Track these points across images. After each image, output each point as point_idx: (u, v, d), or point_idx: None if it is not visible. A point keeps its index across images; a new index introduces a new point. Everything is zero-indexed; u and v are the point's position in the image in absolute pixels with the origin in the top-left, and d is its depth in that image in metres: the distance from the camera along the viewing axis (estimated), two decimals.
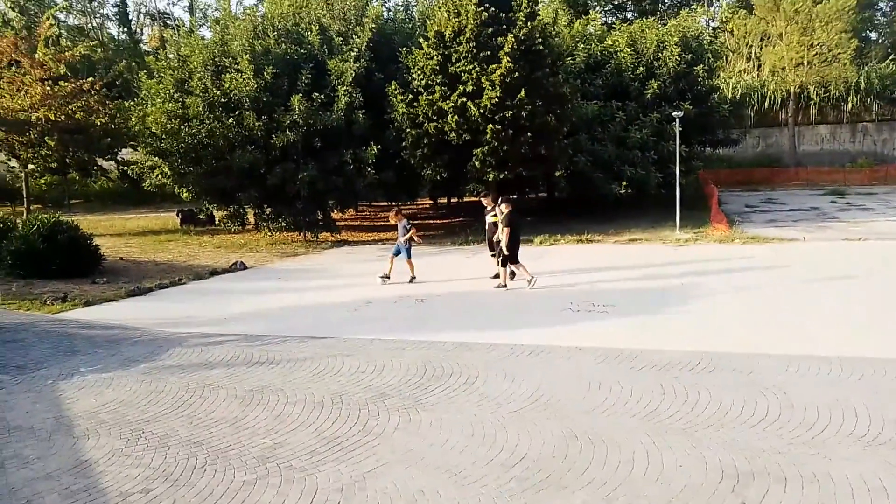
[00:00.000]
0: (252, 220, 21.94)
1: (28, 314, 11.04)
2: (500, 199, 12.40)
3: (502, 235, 11.59)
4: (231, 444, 5.58)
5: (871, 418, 5.49)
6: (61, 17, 42.35)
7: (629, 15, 44.61)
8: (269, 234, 20.69)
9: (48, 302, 11.63)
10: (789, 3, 32.26)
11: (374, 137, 18.38)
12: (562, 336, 8.45)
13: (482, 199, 13.84)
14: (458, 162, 18.75)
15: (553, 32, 20.84)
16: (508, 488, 4.66)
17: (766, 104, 35.91)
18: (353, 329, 9.31)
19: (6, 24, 31.93)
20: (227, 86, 18.38)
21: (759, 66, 38.42)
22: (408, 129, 18.59)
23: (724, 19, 41.64)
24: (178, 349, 8.59)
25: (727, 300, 10.17)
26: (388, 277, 12.46)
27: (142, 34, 51.36)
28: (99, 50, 38.80)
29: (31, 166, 25.55)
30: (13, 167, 28.21)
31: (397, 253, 12.61)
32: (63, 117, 22.72)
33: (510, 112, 17.28)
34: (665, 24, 25.95)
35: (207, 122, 18.37)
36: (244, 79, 18.18)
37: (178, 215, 24.39)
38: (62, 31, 38.51)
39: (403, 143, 18.86)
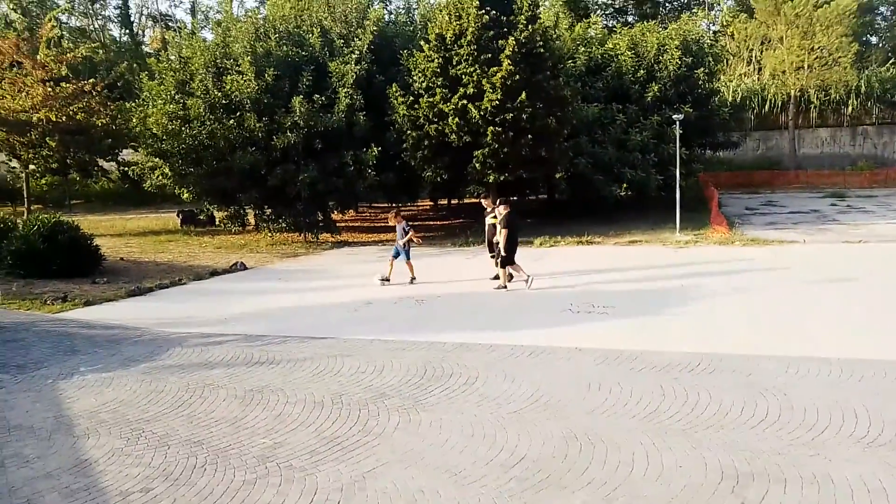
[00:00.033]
0: (252, 220, 21.97)
1: (28, 314, 11.05)
2: (497, 201, 12.42)
3: (500, 236, 11.62)
4: (231, 444, 5.58)
5: (870, 420, 5.49)
6: (63, 18, 42.46)
7: (630, 18, 44.72)
8: (269, 234, 20.70)
9: (48, 302, 11.64)
10: (790, 6, 32.32)
11: (375, 139, 18.42)
12: (562, 337, 8.45)
13: (482, 200, 13.85)
14: (458, 164, 18.77)
15: (554, 35, 20.88)
16: (508, 488, 4.66)
17: (767, 107, 35.97)
18: (353, 329, 9.32)
19: (8, 26, 32.00)
20: (228, 87, 18.42)
21: (760, 69, 38.47)
22: (408, 131, 18.62)
23: (725, 23, 41.69)
24: (178, 349, 8.60)
25: (727, 302, 10.18)
26: (389, 280, 12.46)
27: (143, 36, 51.49)
28: (100, 51, 38.88)
29: (31, 167, 25.59)
30: (14, 167, 28.27)
31: (397, 255, 12.63)
32: (64, 118, 22.78)
33: (511, 114, 17.31)
34: (666, 28, 25.98)
35: (208, 123, 18.40)
36: (245, 80, 18.22)
37: (178, 216, 24.42)
38: (64, 33, 38.56)
39: (404, 145, 18.89)
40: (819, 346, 7.67)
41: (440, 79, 18.31)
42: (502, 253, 11.65)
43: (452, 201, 28.20)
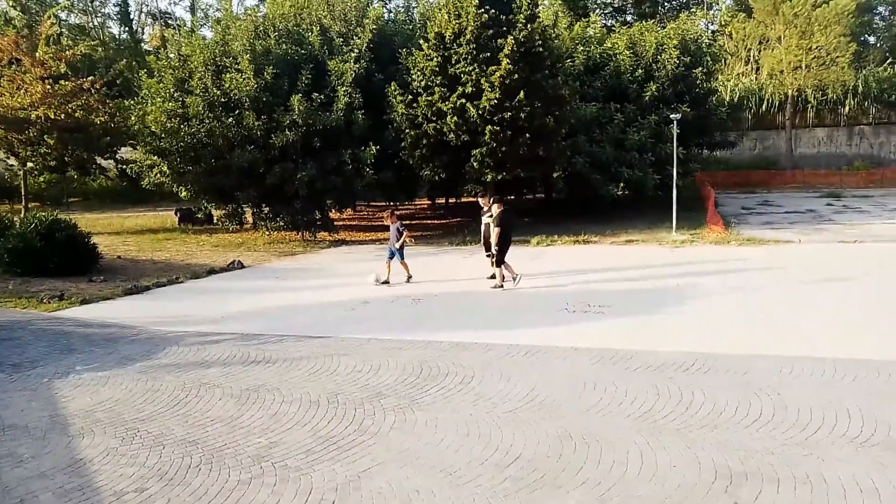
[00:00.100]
0: (250, 219, 21.95)
1: (25, 312, 11.04)
2: (492, 200, 12.43)
3: (492, 235, 11.64)
4: (226, 443, 5.59)
5: (864, 419, 5.51)
6: (62, 15, 42.36)
7: (629, 18, 44.71)
8: (267, 233, 20.69)
9: (45, 300, 11.63)
10: (788, 6, 32.34)
11: (374, 138, 18.41)
12: (558, 336, 8.47)
13: (480, 199, 13.87)
14: (456, 163, 18.78)
15: (553, 35, 20.88)
16: (503, 488, 4.68)
17: (764, 107, 36.00)
18: (350, 328, 9.32)
19: (7, 23, 31.92)
20: (227, 85, 18.40)
21: (758, 69, 38.50)
22: (407, 130, 18.62)
23: (723, 22, 41.71)
24: (174, 348, 8.60)
25: (723, 301, 10.20)
26: (388, 282, 12.45)
27: (143, 34, 51.39)
28: (100, 49, 38.83)
29: (29, 164, 25.56)
30: (12, 165, 28.24)
31: (392, 256, 12.62)
32: (63, 116, 22.75)
33: (509, 113, 17.31)
34: (664, 27, 25.99)
35: (207, 121, 18.38)
36: (244, 79, 18.20)
37: (176, 214, 24.40)
38: (63, 30, 38.54)
39: (402, 144, 18.89)
40: (813, 345, 7.69)
41: (439, 77, 18.31)
42: (495, 250, 11.67)
43: (450, 200, 28.20)
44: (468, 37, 17.84)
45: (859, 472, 4.67)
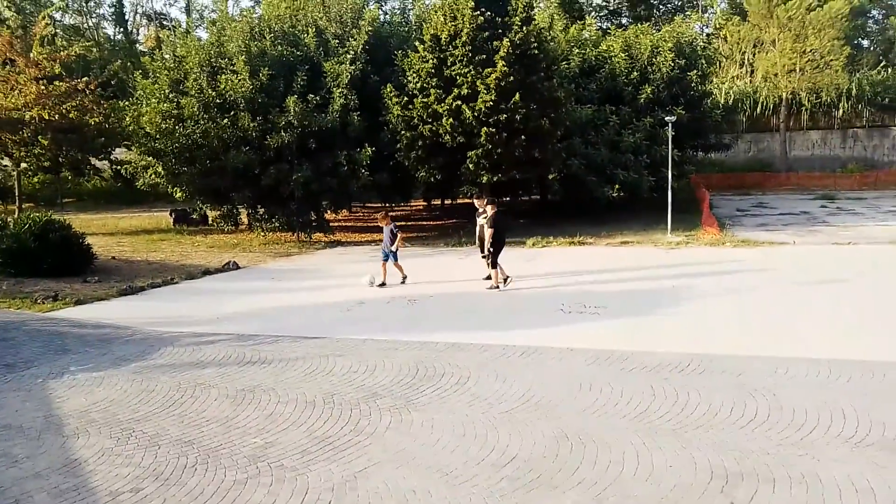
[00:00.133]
0: (245, 220, 21.90)
1: (19, 313, 10.99)
2: (485, 201, 12.44)
3: (486, 236, 11.66)
4: (222, 444, 5.57)
5: (858, 420, 5.54)
6: (57, 16, 42.27)
7: (624, 20, 44.87)
8: (262, 234, 20.65)
9: (39, 300, 11.58)
10: (783, 10, 32.52)
11: (369, 139, 18.41)
12: (553, 337, 8.48)
13: (475, 201, 13.88)
14: (452, 164, 18.79)
15: (548, 37, 20.92)
16: (499, 488, 4.68)
17: (759, 110, 36.18)
18: (346, 329, 9.31)
19: (2, 23, 31.79)
20: (222, 87, 18.37)
21: (752, 72, 38.69)
22: (402, 132, 18.63)
23: (718, 25, 41.94)
24: (169, 348, 8.57)
25: (717, 303, 10.24)
26: (385, 283, 12.44)
27: (138, 34, 51.26)
28: (94, 50, 38.74)
29: (23, 165, 25.46)
30: (6, 165, 28.10)
31: (386, 258, 12.61)
32: (57, 116, 22.67)
33: (504, 115, 17.34)
34: (659, 30, 26.12)
35: (202, 122, 18.35)
36: (240, 80, 18.17)
37: (171, 215, 24.33)
38: (58, 31, 38.41)
39: (398, 145, 18.89)
40: (808, 347, 7.73)
41: (434, 79, 18.33)
42: (489, 252, 11.67)
43: (446, 201, 28.22)
44: (464, 39, 17.87)
45: (854, 472, 4.69)
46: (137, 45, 47.73)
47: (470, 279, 12.71)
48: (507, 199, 25.57)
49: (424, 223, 24.71)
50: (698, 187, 26.70)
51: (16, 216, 17.32)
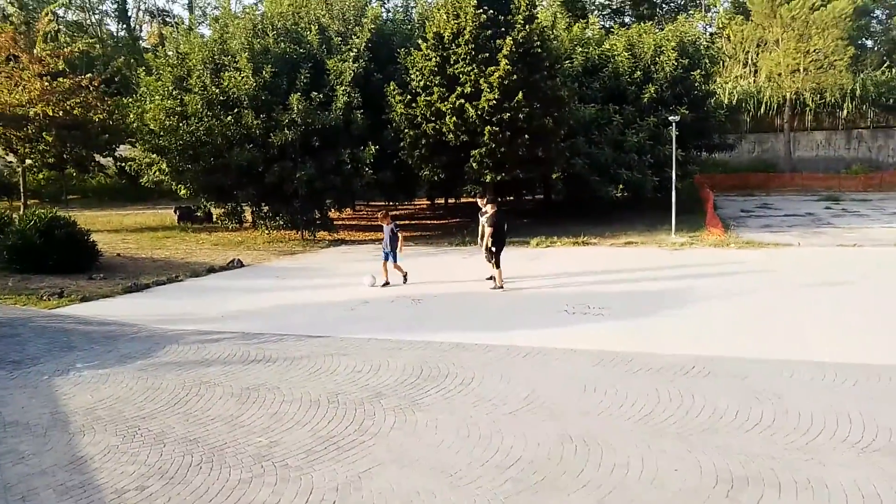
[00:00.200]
0: (249, 217, 21.93)
1: (25, 309, 11.01)
2: (485, 200, 12.42)
3: (486, 235, 11.66)
4: (227, 442, 5.58)
5: (864, 424, 5.52)
6: (60, 12, 42.23)
7: (627, 19, 44.77)
8: (266, 232, 20.68)
9: (45, 297, 11.60)
10: (786, 9, 32.42)
11: (373, 137, 18.41)
12: (557, 338, 8.47)
13: (479, 200, 13.87)
14: (455, 163, 18.78)
15: (551, 36, 20.90)
16: (503, 490, 4.68)
17: (762, 110, 36.09)
18: (350, 328, 9.32)
19: (5, 19, 31.85)
20: (225, 84, 18.38)
21: (756, 71, 38.60)
22: (406, 130, 18.62)
23: (721, 25, 41.83)
24: (174, 346, 8.59)
25: (722, 304, 10.22)
26: (388, 283, 12.45)
27: (141, 31, 51.29)
28: (98, 46, 38.73)
29: (28, 161, 25.50)
30: (11, 162, 28.16)
31: (387, 257, 12.59)
32: (61, 113, 22.70)
33: (508, 114, 17.33)
34: (662, 29, 26.06)
35: (206, 119, 18.37)
36: (243, 77, 18.18)
37: (175, 212, 24.36)
38: (61, 27, 38.42)
39: (401, 144, 18.89)
40: (814, 350, 7.71)
41: (438, 78, 18.31)
42: (490, 249, 11.65)
43: (449, 200, 28.21)
44: (467, 37, 17.85)
45: (861, 477, 4.68)
46: (141, 42, 47.76)
47: (473, 279, 12.71)
48: (511, 198, 25.57)
49: (428, 222, 24.70)
50: (702, 187, 26.66)
51: (21, 213, 17.38)
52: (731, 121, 29.71)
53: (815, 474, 4.74)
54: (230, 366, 7.69)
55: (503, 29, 18.02)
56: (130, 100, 22.60)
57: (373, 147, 17.94)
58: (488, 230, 11.66)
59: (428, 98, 18.22)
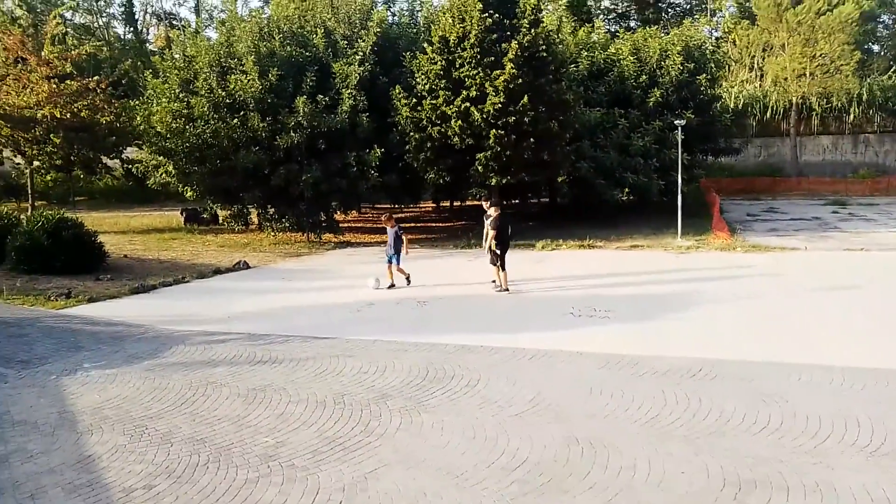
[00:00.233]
0: (255, 219, 21.98)
1: (32, 309, 11.07)
2: (489, 203, 12.40)
3: (489, 238, 11.66)
4: (234, 442, 5.60)
5: (873, 429, 5.50)
6: (68, 15, 42.52)
7: (632, 24, 44.76)
8: (272, 234, 20.72)
9: (52, 298, 11.66)
10: (792, 14, 32.38)
11: (378, 140, 18.44)
12: (563, 340, 8.47)
13: (484, 203, 13.88)
14: (460, 166, 18.80)
15: (557, 39, 20.92)
16: (509, 491, 4.68)
17: (769, 114, 35.99)
18: (356, 330, 9.34)
19: (13, 22, 32.03)
20: (231, 87, 18.44)
21: (762, 76, 38.52)
22: (411, 133, 18.65)
23: (727, 29, 41.75)
24: (181, 347, 8.62)
25: (728, 308, 10.20)
26: (395, 285, 12.46)
27: (148, 34, 51.54)
28: (105, 49, 38.97)
29: (36, 163, 25.65)
30: (18, 164, 28.30)
31: (391, 260, 12.60)
32: (69, 115, 22.83)
33: (513, 118, 17.34)
34: (668, 34, 26.03)
35: (212, 122, 18.43)
36: (249, 80, 18.24)
37: (182, 214, 24.44)
38: (69, 30, 38.61)
39: (407, 147, 18.92)
40: (821, 353, 7.69)
41: (443, 81, 18.35)
42: (495, 251, 11.65)
43: (455, 203, 28.23)
44: (472, 41, 17.88)
45: (869, 481, 4.66)
46: (147, 45, 47.98)
47: (479, 281, 12.71)
48: (516, 201, 25.55)
49: (433, 225, 24.72)
50: (708, 191, 26.61)
51: (29, 214, 17.47)
52: (737, 125, 29.60)
53: (823, 478, 4.72)
54: (237, 366, 7.71)
55: (509, 33, 18.04)
56: (137, 102, 22.70)
57: (378, 150, 17.97)
58: (491, 232, 11.68)
59: (433, 101, 18.25)
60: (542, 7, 21.30)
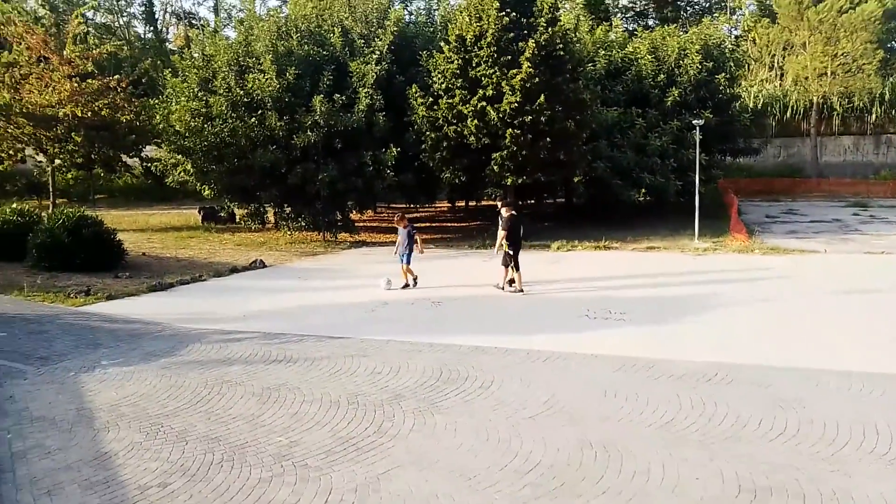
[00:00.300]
0: (272, 218, 22.13)
1: (52, 306, 11.24)
2: (501, 203, 12.35)
3: (500, 238, 11.62)
4: (248, 441, 5.64)
5: (892, 436, 5.41)
6: (89, 15, 43.10)
7: (650, 22, 44.41)
8: (288, 233, 20.86)
9: (72, 295, 11.83)
10: (813, 12, 31.90)
11: (394, 139, 18.48)
12: (578, 343, 8.43)
13: (499, 203, 13.84)
14: (476, 166, 18.78)
15: (574, 38, 20.80)
16: (522, 494, 4.67)
17: (788, 114, 35.51)
18: (370, 329, 9.36)
19: (36, 21, 32.54)
20: (249, 86, 18.59)
21: (782, 75, 38.01)
22: (427, 132, 18.66)
23: (747, 28, 41.27)
24: (197, 345, 8.70)
25: (746, 311, 10.08)
26: (408, 285, 12.45)
27: (167, 33, 52.12)
28: (125, 48, 39.37)
29: (57, 161, 26.01)
30: (40, 162, 28.73)
31: (403, 259, 12.58)
32: (90, 114, 23.13)
33: (530, 117, 17.28)
34: (686, 32, 25.78)
35: (230, 121, 18.59)
36: (267, 79, 18.37)
37: (199, 212, 24.68)
38: (90, 29, 39.14)
39: (423, 146, 18.94)
40: (840, 358, 7.58)
41: (460, 80, 18.33)
42: (507, 252, 11.62)
43: (470, 203, 28.21)
44: (489, 39, 17.85)
45: (888, 490, 4.58)
46: (167, 44, 48.51)
47: (493, 282, 12.67)
48: (532, 201, 25.47)
49: (448, 225, 24.71)
50: (726, 192, 26.31)
51: (49, 211, 17.74)
52: (757, 125, 29.27)
53: (841, 486, 4.65)
54: (252, 365, 7.77)
55: (525, 31, 17.98)
56: (157, 101, 22.99)
57: (394, 149, 18.01)
58: (502, 233, 11.65)
59: (450, 100, 18.25)
60: (560, 5, 21.18)
